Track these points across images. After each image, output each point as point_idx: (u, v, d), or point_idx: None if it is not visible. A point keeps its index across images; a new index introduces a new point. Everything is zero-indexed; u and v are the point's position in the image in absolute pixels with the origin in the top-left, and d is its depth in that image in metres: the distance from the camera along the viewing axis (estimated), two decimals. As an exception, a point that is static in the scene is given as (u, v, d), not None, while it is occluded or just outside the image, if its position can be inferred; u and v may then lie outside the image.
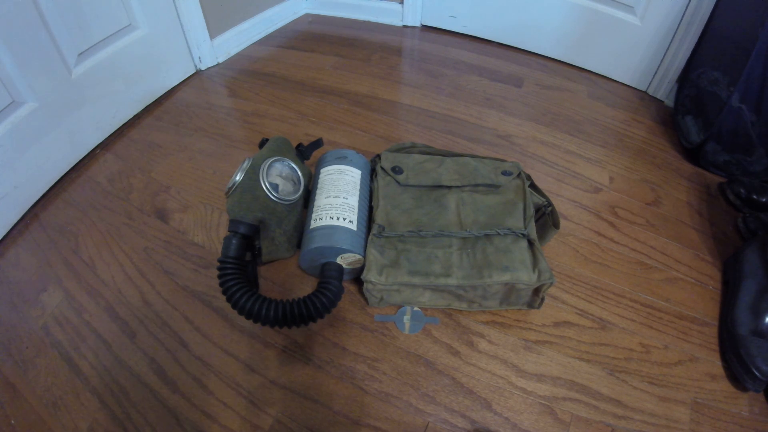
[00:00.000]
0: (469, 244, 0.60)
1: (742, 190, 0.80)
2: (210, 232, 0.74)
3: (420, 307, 0.63)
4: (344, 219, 0.61)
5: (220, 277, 0.54)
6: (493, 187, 0.68)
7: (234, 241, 0.57)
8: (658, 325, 0.62)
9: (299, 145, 0.75)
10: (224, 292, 0.54)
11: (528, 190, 0.67)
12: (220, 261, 0.56)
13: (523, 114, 1.06)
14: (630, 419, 0.52)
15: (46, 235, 0.74)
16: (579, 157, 0.93)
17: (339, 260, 0.60)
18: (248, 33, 1.36)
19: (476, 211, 0.64)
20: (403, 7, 1.47)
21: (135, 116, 1.03)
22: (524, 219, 0.62)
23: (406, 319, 0.61)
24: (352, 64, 1.26)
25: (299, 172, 0.68)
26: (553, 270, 0.69)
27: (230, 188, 0.59)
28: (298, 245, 0.68)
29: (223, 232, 0.74)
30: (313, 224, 0.61)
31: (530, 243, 0.60)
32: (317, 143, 0.78)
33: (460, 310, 0.63)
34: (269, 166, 0.64)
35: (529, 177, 0.70)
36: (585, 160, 0.92)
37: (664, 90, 1.12)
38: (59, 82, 0.82)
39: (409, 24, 1.50)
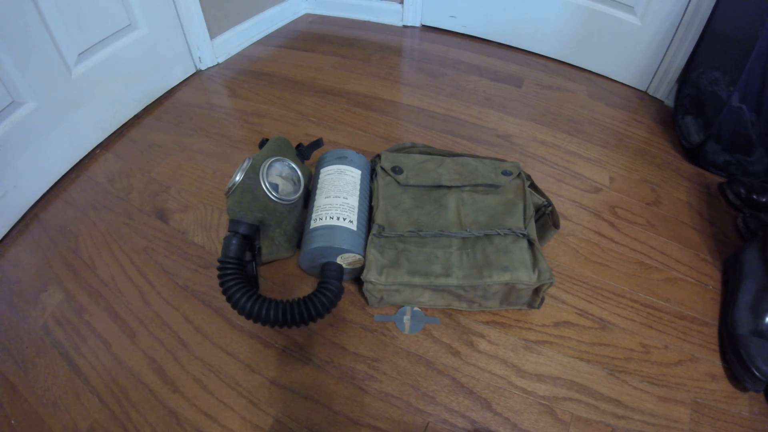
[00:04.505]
0: (469, 244, 0.60)
1: (742, 190, 0.80)
2: (210, 232, 0.74)
3: (420, 307, 0.63)
4: (344, 219, 0.61)
5: (220, 277, 0.54)
6: (493, 187, 0.68)
7: (234, 241, 0.57)
8: (658, 325, 0.62)
9: (299, 145, 0.75)
10: (224, 293, 0.54)
11: (528, 190, 0.67)
12: (220, 261, 0.56)
13: (523, 114, 1.06)
14: (630, 419, 0.52)
15: (46, 235, 0.74)
16: (579, 157, 0.93)
17: (339, 260, 0.60)
18: (248, 33, 1.36)
19: (476, 211, 0.64)
20: (403, 7, 1.47)
21: (135, 116, 1.03)
22: (524, 219, 0.62)
23: (406, 319, 0.61)
24: (352, 64, 1.26)
25: (299, 172, 0.68)
26: (553, 270, 0.69)
27: (230, 188, 0.59)
28: (298, 245, 0.68)
29: (223, 232, 0.74)
30: (313, 224, 0.61)
31: (530, 243, 0.60)
32: (317, 143, 0.78)
33: (460, 310, 0.63)
34: (269, 166, 0.64)
35: (529, 177, 0.70)
36: (585, 160, 0.92)
37: (664, 90, 1.12)
38: (59, 82, 0.82)
39: (409, 24, 1.50)
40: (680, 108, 1.01)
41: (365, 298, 0.62)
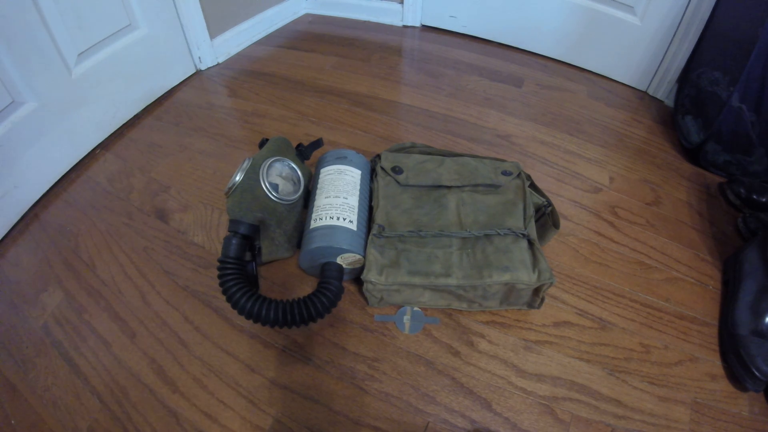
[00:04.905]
0: (469, 244, 0.60)
1: (742, 190, 0.80)
2: (210, 232, 0.74)
3: (420, 307, 0.63)
4: (344, 219, 0.61)
5: (220, 277, 0.54)
6: (493, 187, 0.68)
7: (234, 241, 0.57)
8: (658, 325, 0.62)
9: (299, 145, 0.75)
10: (224, 292, 0.54)
11: (528, 190, 0.67)
12: (220, 261, 0.56)
13: (523, 114, 1.06)
14: (630, 419, 0.52)
15: (46, 235, 0.74)
16: (579, 157, 0.93)
17: (339, 260, 0.60)
18: (248, 33, 1.36)
19: (476, 211, 0.64)
20: (403, 7, 1.47)
21: (135, 116, 1.03)
22: (524, 219, 0.62)
23: (406, 319, 0.61)
24: (352, 64, 1.26)
25: (299, 172, 0.68)
26: (553, 270, 0.69)
27: (230, 188, 0.59)
28: (298, 245, 0.68)
29: (223, 232, 0.74)
30: (313, 224, 0.61)
31: (530, 243, 0.60)
32: (317, 143, 0.78)
33: (460, 310, 0.63)
34: (269, 166, 0.64)
35: (529, 177, 0.70)
36: (585, 160, 0.92)
37: (664, 90, 1.12)
38: (59, 82, 0.82)
39: (409, 24, 1.50)
40: (680, 108, 1.01)
41: (365, 298, 0.62)
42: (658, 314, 0.64)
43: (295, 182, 0.68)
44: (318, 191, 0.65)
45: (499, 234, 0.60)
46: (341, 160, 0.69)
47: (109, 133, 0.97)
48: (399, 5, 1.47)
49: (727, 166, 0.88)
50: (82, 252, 0.71)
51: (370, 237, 0.60)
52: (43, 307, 0.63)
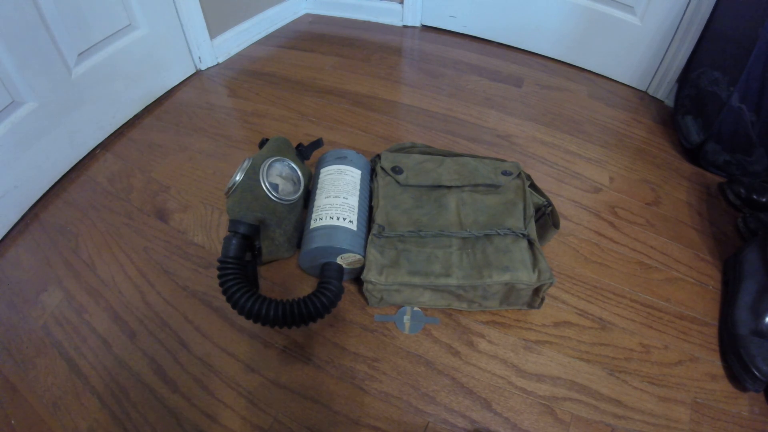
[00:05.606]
0: (469, 244, 0.60)
1: (742, 190, 0.80)
2: (210, 232, 0.74)
3: (420, 307, 0.63)
4: (344, 219, 0.61)
5: (220, 277, 0.54)
6: (493, 187, 0.68)
7: (234, 241, 0.57)
8: (658, 325, 0.62)
9: (299, 145, 0.75)
10: (224, 292, 0.54)
11: (528, 190, 0.67)
12: (220, 261, 0.56)
13: (523, 114, 1.06)
14: (630, 419, 0.52)
15: (46, 235, 0.74)
16: (579, 157, 0.93)
17: (339, 260, 0.60)
18: (248, 33, 1.36)
19: (476, 211, 0.64)
20: (403, 7, 1.47)
21: (135, 116, 1.03)
22: (524, 219, 0.62)
23: (406, 319, 0.61)
24: (352, 64, 1.26)
25: (299, 172, 0.68)
26: (553, 270, 0.69)
27: (230, 188, 0.59)
28: (298, 245, 0.68)
29: (223, 232, 0.74)
30: (313, 224, 0.61)
31: (530, 243, 0.60)
32: (317, 143, 0.78)
33: (460, 310, 0.63)
34: (269, 166, 0.64)
35: (529, 177, 0.70)
36: (585, 160, 0.92)
37: (664, 90, 1.12)
38: (59, 82, 0.82)
39: (409, 24, 1.50)
40: (680, 108, 1.01)
41: (365, 298, 0.62)
42: (658, 314, 0.64)
43: (295, 182, 0.68)
44: (318, 191, 0.65)
45: (499, 234, 0.60)
46: (341, 160, 0.69)
47: (109, 133, 0.97)
48: (399, 5, 1.47)
49: (727, 166, 0.88)
50: (82, 252, 0.71)
51: (370, 237, 0.60)
52: (43, 307, 0.63)
